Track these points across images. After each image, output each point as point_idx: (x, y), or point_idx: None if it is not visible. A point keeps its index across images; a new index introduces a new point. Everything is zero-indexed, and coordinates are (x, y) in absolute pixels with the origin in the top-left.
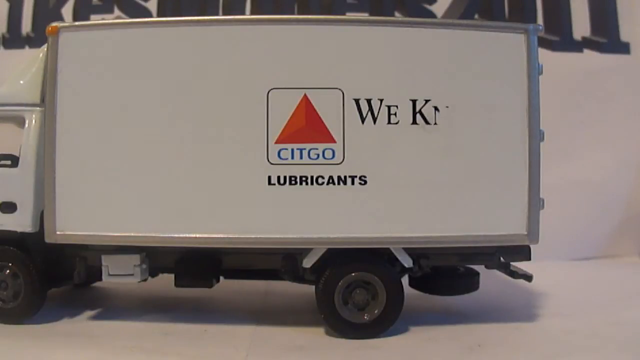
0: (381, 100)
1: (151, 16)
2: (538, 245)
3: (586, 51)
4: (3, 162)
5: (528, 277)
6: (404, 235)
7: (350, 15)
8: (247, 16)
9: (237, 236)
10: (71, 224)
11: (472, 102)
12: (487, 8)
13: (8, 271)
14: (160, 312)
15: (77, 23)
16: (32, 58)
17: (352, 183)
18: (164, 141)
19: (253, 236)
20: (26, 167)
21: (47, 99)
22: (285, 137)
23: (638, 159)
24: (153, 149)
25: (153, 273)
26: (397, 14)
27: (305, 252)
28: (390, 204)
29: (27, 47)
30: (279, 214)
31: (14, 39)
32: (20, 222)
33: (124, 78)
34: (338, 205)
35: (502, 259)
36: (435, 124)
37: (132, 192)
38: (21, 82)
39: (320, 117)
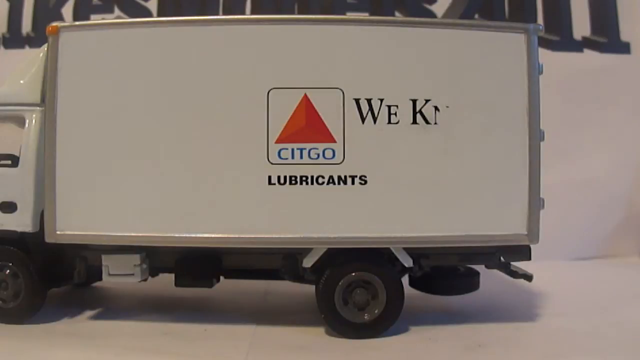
0: (381, 100)
1: (151, 16)
2: (538, 245)
3: (586, 51)
4: (3, 162)
5: (528, 277)
6: (404, 235)
7: (350, 15)
8: (247, 16)
9: (237, 236)
10: (71, 224)
11: (472, 102)
12: (487, 8)
13: (8, 271)
14: (160, 312)
15: (77, 23)
16: (32, 58)
17: (352, 183)
18: (163, 141)
19: (253, 236)
20: (26, 167)
21: (47, 99)
22: (286, 136)
23: (638, 159)
24: (153, 148)
25: (153, 273)
26: (397, 14)
27: (305, 252)
28: (390, 204)
29: (27, 47)
30: (279, 213)
31: (14, 39)
32: (20, 222)
33: (124, 78)
34: (338, 205)
35: (502, 258)
36: (436, 123)
37: (132, 192)
38: (21, 82)
39: (320, 117)
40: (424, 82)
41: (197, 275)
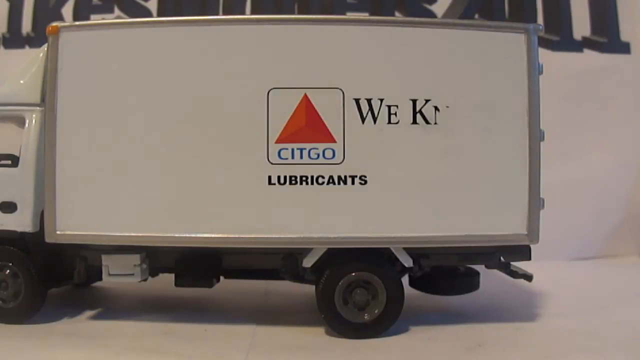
0: (381, 100)
1: (151, 16)
2: (538, 245)
3: (586, 51)
4: (3, 162)
5: (528, 277)
6: (404, 235)
7: (350, 15)
8: (247, 16)
9: (237, 236)
10: (71, 224)
11: (472, 102)
12: (487, 8)
13: (8, 271)
14: (160, 312)
15: (77, 23)
16: (32, 58)
17: (352, 183)
18: (164, 141)
19: (253, 236)
20: (26, 167)
21: (47, 99)
22: (286, 136)
23: (638, 159)
24: (153, 148)
25: (153, 273)
26: (397, 14)
27: (305, 252)
28: (390, 204)
29: (27, 47)
30: (279, 213)
31: (14, 39)
32: (20, 222)
33: (124, 78)
34: (338, 205)
35: (502, 258)
36: (436, 123)
37: (132, 192)
38: (21, 82)
39: (320, 117)
40: (424, 82)
41: (197, 275)
